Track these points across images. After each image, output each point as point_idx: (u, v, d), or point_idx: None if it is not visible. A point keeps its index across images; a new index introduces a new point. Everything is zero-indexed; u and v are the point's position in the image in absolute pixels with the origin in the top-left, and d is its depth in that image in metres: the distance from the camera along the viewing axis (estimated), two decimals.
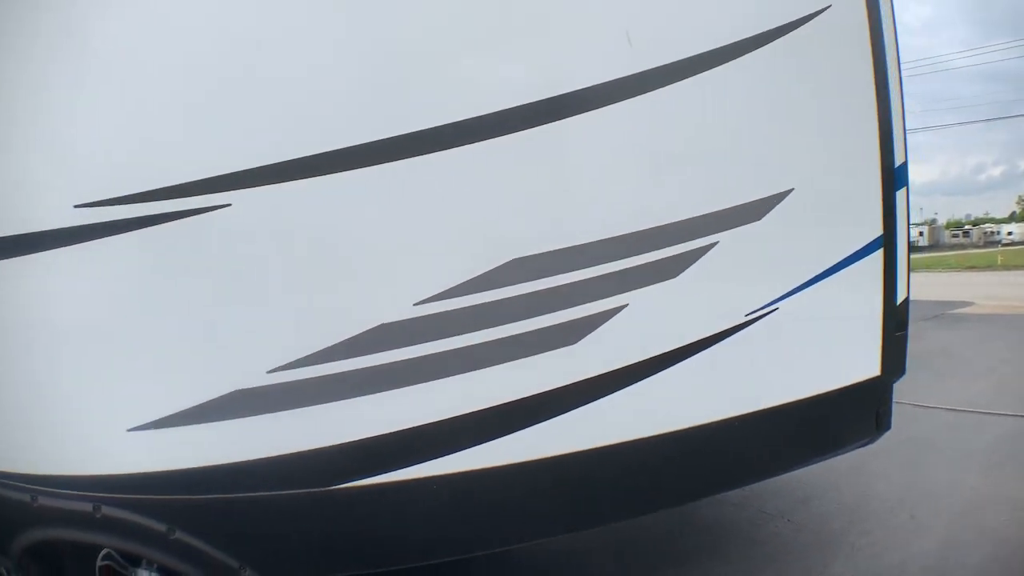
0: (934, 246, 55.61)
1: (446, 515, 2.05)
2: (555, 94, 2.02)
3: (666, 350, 2.17)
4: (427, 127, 1.92)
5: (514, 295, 2.02)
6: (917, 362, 7.96)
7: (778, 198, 2.40)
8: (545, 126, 2.03)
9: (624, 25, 2.09)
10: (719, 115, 2.30)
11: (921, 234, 57.63)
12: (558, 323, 2.05)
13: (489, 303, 2.00)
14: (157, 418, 1.92)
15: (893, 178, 2.89)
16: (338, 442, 1.94)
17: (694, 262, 2.21)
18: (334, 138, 1.87)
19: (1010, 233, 56.44)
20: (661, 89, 2.16)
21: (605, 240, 2.10)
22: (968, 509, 3.76)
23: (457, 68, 2.03)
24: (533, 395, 2.04)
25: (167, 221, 1.83)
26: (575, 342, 2.06)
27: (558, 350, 2.05)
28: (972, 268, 26.84)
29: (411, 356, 1.95)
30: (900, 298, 3.79)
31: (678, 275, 2.19)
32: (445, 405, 1.98)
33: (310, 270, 1.95)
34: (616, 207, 2.15)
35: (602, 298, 2.09)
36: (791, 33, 2.40)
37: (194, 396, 1.91)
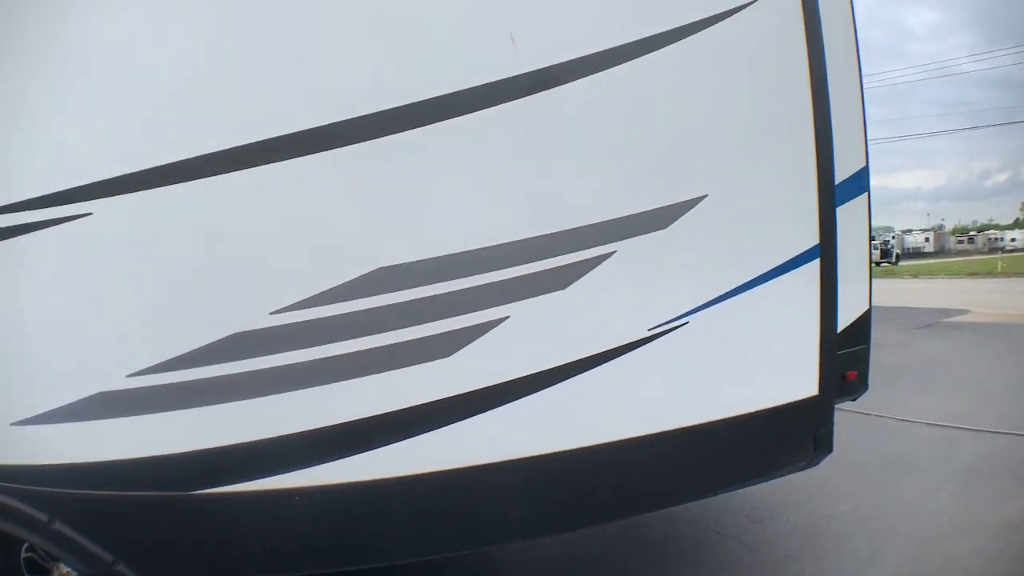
0: (939, 252, 53.80)
1: (311, 528, 1.99)
2: (426, 97, 1.92)
3: (553, 365, 2.05)
4: (286, 133, 1.85)
5: (382, 305, 1.93)
6: (904, 372, 7.77)
7: (688, 205, 2.24)
8: (416, 130, 1.93)
9: (508, 25, 1.97)
10: (616, 117, 2.14)
11: (927, 240, 56.50)
12: (430, 335, 1.96)
13: (355, 312, 1.92)
14: (34, 415, 1.96)
15: (832, 184, 2.69)
16: (198, 448, 1.91)
17: (586, 273, 2.08)
18: (191, 146, 1.83)
19: (1013, 240, 54.32)
20: (549, 91, 2.03)
21: (481, 249, 1.99)
22: (933, 536, 3.52)
23: (319, 71, 1.94)
24: (402, 409, 1.96)
25: (33, 231, 1.84)
26: (449, 355, 1.96)
27: (430, 363, 1.96)
28: (973, 275, 26.25)
29: (269, 365, 1.90)
30: (854, 312, 3.60)
31: (567, 287, 2.06)
32: (304, 417, 1.92)
33: (168, 277, 1.92)
34: (495, 215, 2.03)
35: (478, 310, 1.98)
36: (706, 30, 2.23)
37: (63, 396, 1.93)
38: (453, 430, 1.97)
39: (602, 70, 2.07)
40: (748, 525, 3.79)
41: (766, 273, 2.44)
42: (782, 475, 2.85)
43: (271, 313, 1.86)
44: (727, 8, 2.24)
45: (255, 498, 1.92)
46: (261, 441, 1.90)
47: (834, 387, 2.70)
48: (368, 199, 1.96)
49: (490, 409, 1.99)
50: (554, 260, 2.04)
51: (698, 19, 2.20)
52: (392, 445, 1.94)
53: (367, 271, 1.91)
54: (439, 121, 1.94)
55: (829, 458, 4.64)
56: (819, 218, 2.57)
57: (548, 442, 2.07)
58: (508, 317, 1.98)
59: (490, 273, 1.98)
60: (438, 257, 1.95)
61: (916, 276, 28.72)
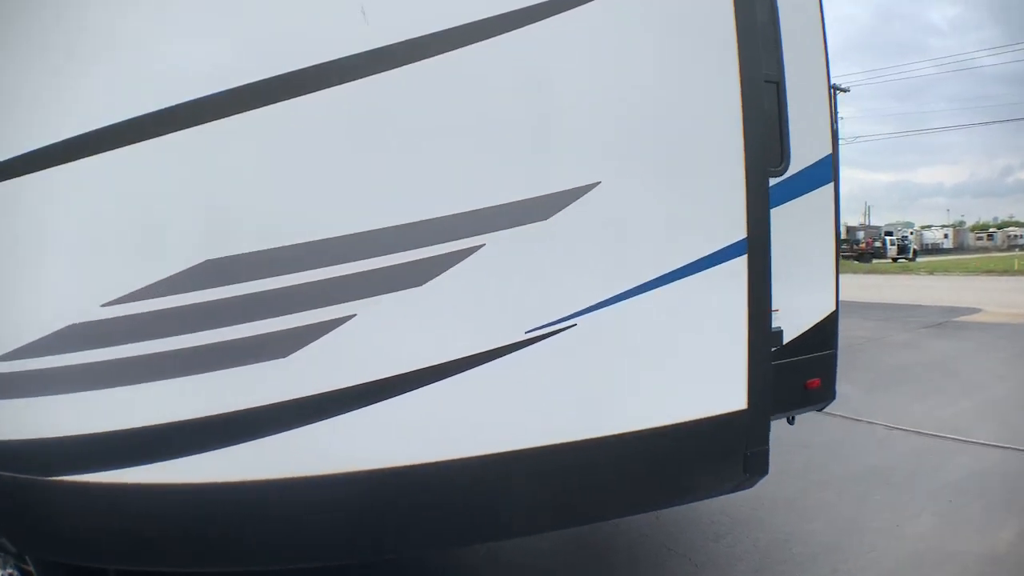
0: (958, 248, 51.67)
1: (148, 524, 1.85)
2: (262, 77, 1.72)
3: (409, 370, 1.83)
4: (111, 121, 1.70)
5: (212, 299, 1.75)
6: (905, 375, 7.28)
7: (575, 193, 1.99)
8: (250, 112, 1.73)
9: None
10: (484, 95, 1.90)
11: (946, 236, 54.76)
12: (264, 333, 1.77)
13: (183, 307, 1.75)
14: None
15: (764, 172, 2.38)
16: (38, 436, 1.81)
17: (447, 268, 1.85)
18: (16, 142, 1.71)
19: None
20: (404, 67, 1.80)
21: (323, 241, 1.78)
22: (903, 565, 3.17)
23: (145, 55, 1.77)
24: (234, 411, 1.78)
25: None
26: (284, 356, 1.77)
27: (263, 363, 1.77)
28: (989, 272, 25.60)
29: (103, 358, 1.76)
30: (817, 314, 3.25)
31: (424, 283, 1.84)
32: (137, 412, 1.77)
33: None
34: (338, 203, 1.82)
35: (319, 307, 1.78)
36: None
37: None
38: (289, 437, 1.77)
39: (467, 44, 1.83)
40: (703, 542, 3.50)
41: (677, 270, 2.16)
42: (708, 497, 2.56)
43: (102, 305, 1.71)
44: None
45: (99, 489, 1.79)
46: (94, 435, 1.76)
47: (768, 400, 2.40)
48: (196, 187, 1.78)
49: (334, 416, 1.78)
50: (409, 254, 1.81)
51: None
52: (223, 449, 1.76)
53: (195, 263, 1.72)
54: (276, 102, 1.74)
55: (808, 468, 4.38)
56: (747, 210, 2.26)
57: (402, 454, 1.85)
58: (354, 315, 1.77)
59: (333, 267, 1.77)
60: (273, 249, 1.76)
61: (931, 272, 27.87)
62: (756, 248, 2.29)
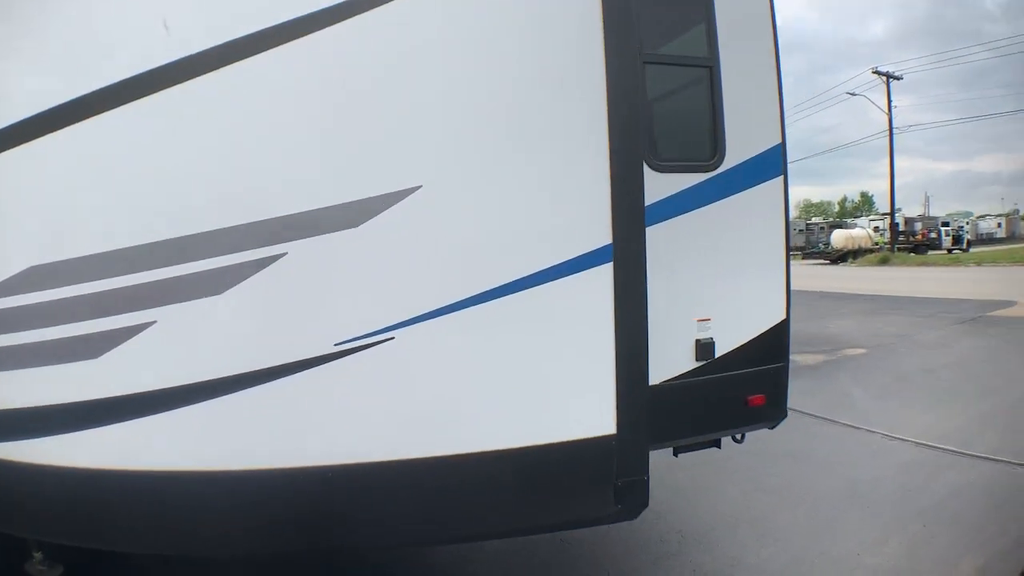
0: (1010, 238, 47.64)
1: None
2: (67, 99, 1.74)
3: (210, 378, 1.80)
4: None
5: (34, 303, 1.79)
6: (925, 378, 6.58)
7: (390, 199, 1.86)
8: (58, 132, 1.76)
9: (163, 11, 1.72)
10: (289, 99, 1.81)
11: (999, 225, 50.91)
12: (77, 335, 1.78)
13: (10, 309, 1.79)
14: None
15: (637, 172, 2.14)
16: None
17: (246, 278, 1.79)
18: None
19: None
20: (198, 78, 1.75)
21: (125, 249, 1.78)
22: None
23: None
24: (49, 405, 1.81)
25: None
26: (97, 356, 1.78)
27: (78, 363, 1.79)
28: None
29: None
30: (762, 323, 2.94)
31: (223, 292, 1.78)
32: None
33: None
34: (140, 214, 1.81)
35: (124, 312, 1.78)
36: None
37: None
38: (100, 433, 1.79)
39: (265, 50, 1.76)
40: (642, 564, 3.28)
41: (516, 281, 1.99)
42: (581, 526, 2.37)
43: None
44: None
45: None
46: None
47: (644, 426, 2.17)
48: (18, 199, 1.82)
49: (141, 416, 1.78)
50: (206, 263, 1.76)
51: None
52: (38, 439, 1.79)
53: (20, 269, 1.76)
54: (79, 121, 1.75)
55: (788, 482, 4.02)
56: (613, 212, 2.05)
57: (204, 458, 1.82)
58: (155, 322, 1.74)
59: (136, 275, 1.76)
60: (83, 257, 1.76)
61: (979, 263, 26.12)
62: (626, 255, 2.07)
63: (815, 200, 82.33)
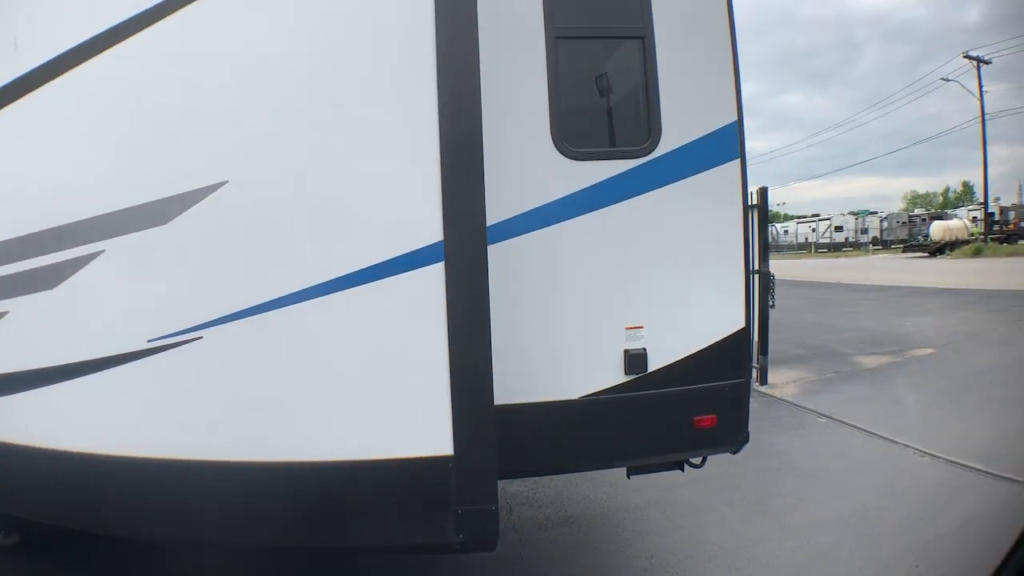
0: None
1: None
2: None
3: (38, 367, 1.83)
4: None
5: None
6: (980, 382, 5.82)
7: (197, 195, 1.76)
8: None
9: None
10: (101, 106, 1.78)
11: None
12: None
13: None
14: None
15: (474, 154, 1.87)
16: None
17: (72, 274, 1.81)
18: None
19: None
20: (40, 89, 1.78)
21: None
22: None
23: None
24: None
25: None
26: None
27: None
28: None
29: None
30: (715, 331, 2.52)
31: (54, 287, 1.82)
32: None
33: None
34: None
35: None
36: None
37: None
38: None
39: (79, 63, 1.75)
40: None
41: (335, 280, 1.81)
42: (420, 553, 2.12)
43: None
44: None
45: None
46: None
47: (490, 449, 1.90)
48: None
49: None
50: (42, 259, 1.80)
51: None
52: None
53: None
54: None
55: (792, 506, 3.51)
56: (444, 205, 1.82)
57: (31, 435, 1.85)
58: (7, 312, 1.82)
59: None
60: None
61: None
62: (461, 254, 1.83)
63: (921, 191, 72.98)
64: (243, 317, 1.74)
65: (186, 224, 1.70)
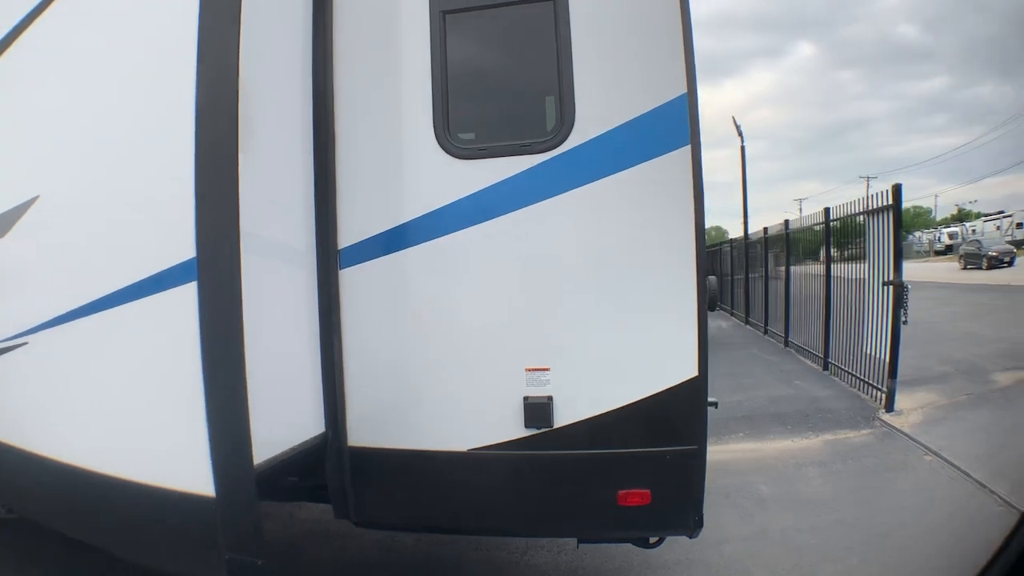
0: None
1: None
2: None
3: None
4: None
5: None
6: None
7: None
8: None
9: None
10: None
11: None
12: None
13: None
14: None
15: (230, 165, 1.55)
16: None
17: None
18: None
19: None
20: None
21: None
22: None
23: None
24: None
25: None
26: None
27: None
28: None
29: None
30: (649, 382, 1.92)
31: None
32: None
33: None
34: None
35: None
36: None
37: None
38: None
39: None
40: None
41: (103, 298, 1.67)
42: None
43: None
44: None
45: None
46: None
47: (251, 498, 1.59)
48: None
49: None
50: None
51: None
52: None
53: None
54: None
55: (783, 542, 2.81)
56: (198, 219, 1.56)
57: None
58: None
59: None
60: None
61: None
62: (213, 272, 1.55)
63: None
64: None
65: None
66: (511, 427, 1.96)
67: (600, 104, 1.89)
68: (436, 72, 1.97)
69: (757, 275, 10.06)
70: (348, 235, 2.04)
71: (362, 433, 2.07)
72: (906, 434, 4.35)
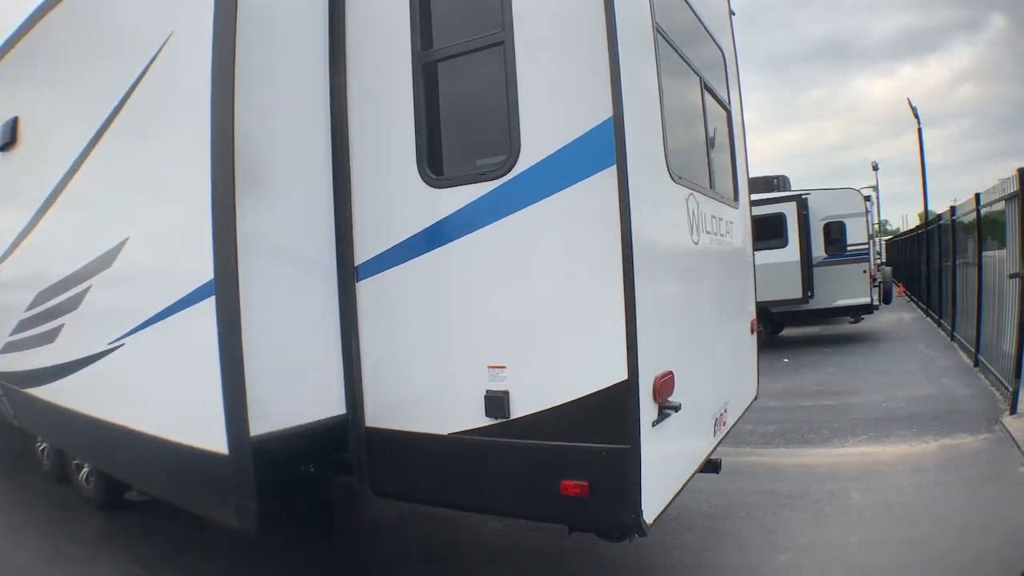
0: None
1: None
2: None
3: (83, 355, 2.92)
4: None
5: None
6: None
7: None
8: None
9: None
10: None
11: None
12: None
13: None
14: None
15: (228, 201, 2.06)
16: None
17: (75, 307, 2.86)
18: None
19: None
20: None
21: None
22: None
23: None
24: None
25: None
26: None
27: None
28: None
29: None
30: (548, 381, 2.19)
31: (78, 307, 2.90)
32: None
33: None
34: None
35: None
36: None
37: None
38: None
39: None
40: None
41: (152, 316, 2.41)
42: (220, 525, 2.43)
43: None
44: None
45: None
46: None
47: (248, 458, 2.09)
48: None
49: None
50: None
51: None
52: None
53: None
54: None
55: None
56: (215, 253, 2.12)
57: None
58: None
59: None
60: None
61: None
62: (224, 290, 2.11)
63: None
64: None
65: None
66: (476, 416, 2.27)
67: (539, 133, 2.11)
68: (418, 114, 2.35)
69: (944, 264, 8.94)
70: (362, 253, 2.51)
71: (377, 416, 2.52)
72: (1016, 441, 3.81)
